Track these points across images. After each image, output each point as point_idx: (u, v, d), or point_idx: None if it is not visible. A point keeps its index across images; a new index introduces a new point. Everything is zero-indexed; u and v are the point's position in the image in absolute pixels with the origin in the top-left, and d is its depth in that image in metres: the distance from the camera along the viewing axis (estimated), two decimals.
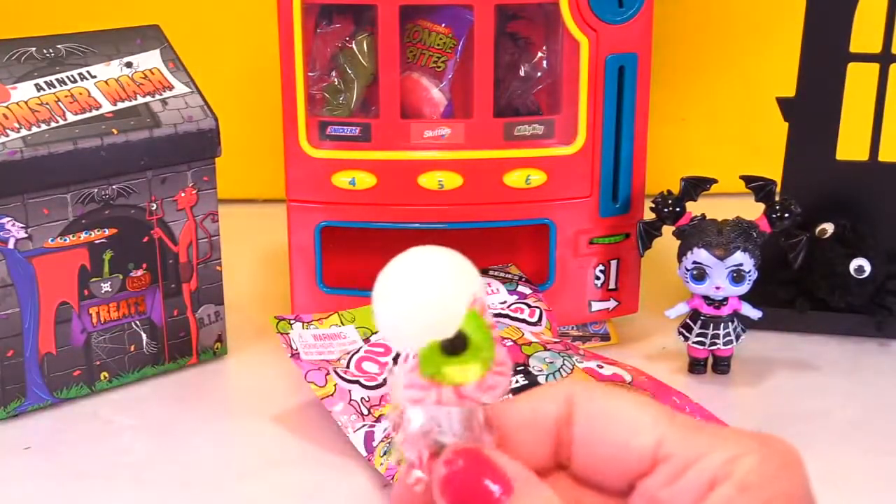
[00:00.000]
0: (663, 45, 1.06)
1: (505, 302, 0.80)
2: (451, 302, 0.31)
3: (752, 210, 0.80)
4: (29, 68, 0.76)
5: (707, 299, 0.79)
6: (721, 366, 0.81)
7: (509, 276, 0.83)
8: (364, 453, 0.70)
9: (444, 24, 0.83)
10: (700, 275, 0.78)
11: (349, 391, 0.73)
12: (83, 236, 0.76)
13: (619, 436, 0.31)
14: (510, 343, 0.72)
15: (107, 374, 0.79)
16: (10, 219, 0.72)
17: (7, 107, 0.73)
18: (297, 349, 0.76)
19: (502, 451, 0.32)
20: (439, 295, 0.31)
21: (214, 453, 0.73)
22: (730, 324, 0.80)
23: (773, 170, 0.85)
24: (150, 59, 0.80)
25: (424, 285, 0.31)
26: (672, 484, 0.30)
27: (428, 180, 0.80)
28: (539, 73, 0.85)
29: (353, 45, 0.82)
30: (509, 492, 0.30)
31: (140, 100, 0.77)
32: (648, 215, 0.82)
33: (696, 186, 0.80)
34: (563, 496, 0.32)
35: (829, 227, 0.87)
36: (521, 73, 0.85)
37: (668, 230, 0.81)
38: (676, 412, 0.32)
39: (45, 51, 0.77)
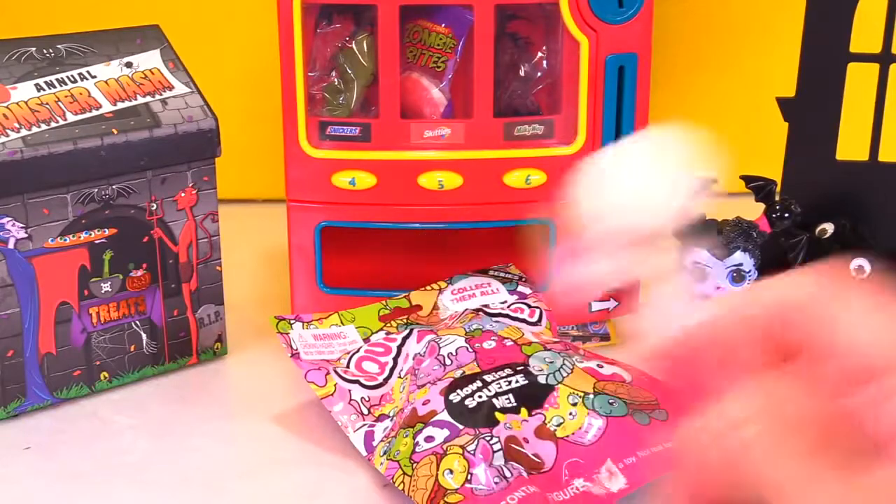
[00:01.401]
0: (663, 45, 1.06)
1: (505, 302, 0.80)
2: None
3: (752, 210, 0.80)
4: (29, 68, 0.76)
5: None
6: None
7: (509, 276, 0.83)
8: (364, 453, 0.70)
9: (444, 24, 0.83)
10: (700, 275, 0.78)
11: (349, 391, 0.73)
12: (83, 236, 0.76)
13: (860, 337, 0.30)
14: (510, 343, 0.72)
15: (107, 374, 0.79)
16: (10, 219, 0.72)
17: (7, 107, 0.73)
18: (297, 349, 0.76)
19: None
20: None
21: (214, 453, 0.73)
22: None
23: (773, 170, 0.85)
24: (150, 59, 0.80)
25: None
26: (889, 399, 0.29)
27: (428, 180, 0.80)
28: (539, 73, 0.86)
29: (353, 45, 0.82)
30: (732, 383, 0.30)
31: (140, 100, 0.77)
32: None
33: None
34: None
35: (829, 227, 0.87)
36: (521, 73, 0.86)
37: None
38: None
39: (45, 51, 0.77)
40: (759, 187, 0.79)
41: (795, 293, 0.31)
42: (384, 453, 0.68)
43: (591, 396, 0.68)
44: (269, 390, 0.80)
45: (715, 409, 0.29)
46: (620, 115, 0.81)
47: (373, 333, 0.78)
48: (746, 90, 1.16)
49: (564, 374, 0.70)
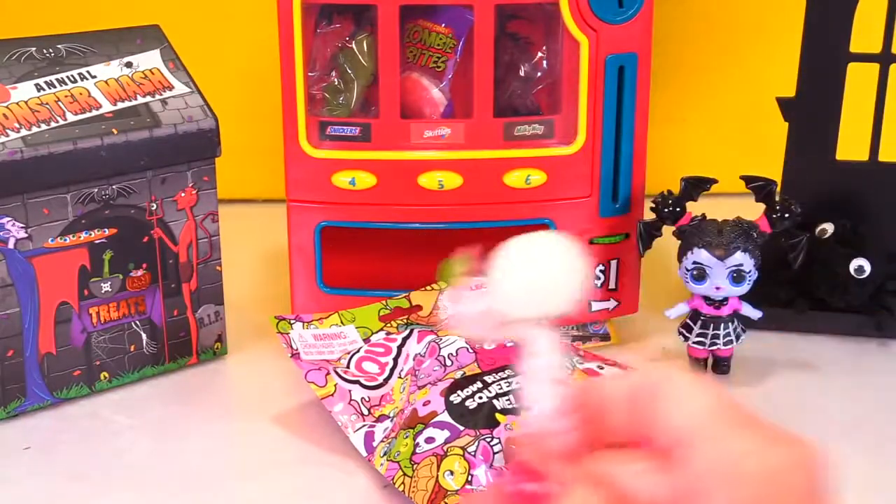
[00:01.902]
0: (663, 45, 1.06)
1: None
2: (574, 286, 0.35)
3: (752, 210, 0.80)
4: (29, 68, 0.76)
5: (707, 299, 0.79)
6: (721, 366, 0.81)
7: None
8: (364, 453, 0.70)
9: (444, 24, 0.83)
10: (700, 275, 0.78)
11: (349, 391, 0.73)
12: (83, 236, 0.76)
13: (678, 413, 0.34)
14: (510, 344, 0.72)
15: (107, 374, 0.79)
16: (10, 219, 0.72)
17: (7, 107, 0.73)
18: (297, 349, 0.76)
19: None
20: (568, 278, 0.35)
21: (214, 453, 0.73)
22: (730, 324, 0.80)
23: (773, 170, 0.85)
24: (150, 59, 0.80)
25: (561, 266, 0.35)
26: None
27: (428, 180, 0.80)
28: (539, 73, 0.86)
29: (353, 45, 0.82)
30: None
31: (140, 100, 0.77)
32: (648, 215, 0.82)
33: (696, 186, 0.80)
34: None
35: (829, 227, 0.87)
36: (521, 73, 0.86)
37: (668, 230, 0.81)
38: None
39: (45, 51, 0.77)
40: (759, 187, 0.79)
41: (623, 390, 0.35)
42: (384, 454, 0.68)
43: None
44: (269, 390, 0.80)
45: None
46: (620, 115, 0.81)
47: (373, 333, 0.78)
48: (746, 90, 1.16)
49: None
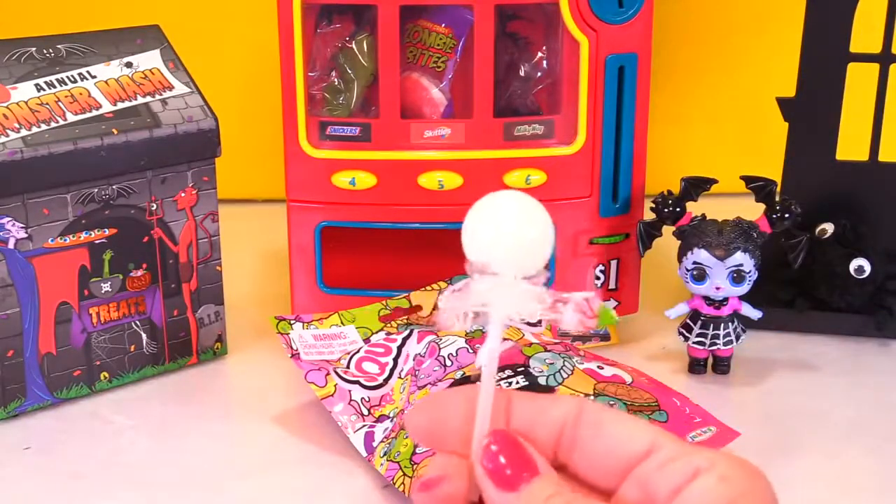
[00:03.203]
0: (663, 45, 1.06)
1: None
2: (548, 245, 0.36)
3: (753, 210, 0.80)
4: (29, 68, 0.76)
5: (707, 299, 0.79)
6: (721, 366, 0.81)
7: None
8: (364, 453, 0.70)
9: (444, 24, 0.83)
10: (700, 275, 0.78)
11: (349, 391, 0.73)
12: (83, 236, 0.76)
13: (620, 433, 0.36)
14: (511, 344, 0.72)
15: (107, 374, 0.79)
16: (10, 219, 0.72)
17: (7, 107, 0.73)
18: (297, 349, 0.76)
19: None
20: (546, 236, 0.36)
21: (214, 453, 0.73)
22: (730, 324, 0.80)
23: (773, 170, 0.85)
24: (150, 59, 0.80)
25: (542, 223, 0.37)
26: (661, 469, 0.34)
27: (428, 180, 0.80)
28: (539, 73, 0.86)
29: (353, 45, 0.82)
30: (534, 473, 0.35)
31: (140, 100, 0.77)
32: (648, 215, 0.82)
33: (696, 186, 0.80)
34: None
35: (829, 227, 0.87)
36: (521, 73, 0.86)
37: (668, 230, 0.81)
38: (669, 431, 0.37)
39: (45, 51, 0.77)
40: (759, 188, 0.79)
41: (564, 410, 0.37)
42: (384, 454, 0.68)
43: (592, 398, 0.68)
44: (269, 390, 0.80)
45: (533, 486, 0.35)
46: (620, 115, 0.81)
47: (373, 334, 0.78)
48: (746, 90, 1.16)
49: (565, 376, 0.70)
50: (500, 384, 0.68)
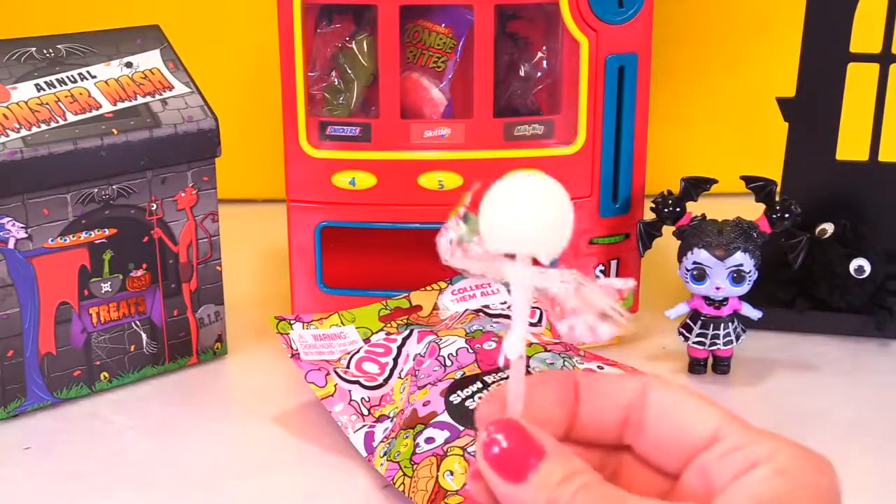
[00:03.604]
0: (663, 45, 1.06)
1: (505, 302, 0.80)
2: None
3: (753, 210, 0.80)
4: (29, 68, 0.76)
5: (707, 299, 0.79)
6: (721, 366, 0.81)
7: None
8: (364, 453, 0.70)
9: (444, 24, 0.83)
10: (700, 275, 0.78)
11: (349, 391, 0.73)
12: (83, 236, 0.76)
13: (686, 418, 0.35)
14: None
15: (107, 374, 0.79)
16: (10, 219, 0.72)
17: (7, 107, 0.73)
18: (297, 349, 0.76)
19: (579, 420, 0.37)
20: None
21: (214, 453, 0.73)
22: (730, 324, 0.80)
23: (773, 170, 0.85)
24: (150, 59, 0.80)
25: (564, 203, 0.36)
26: (722, 459, 0.34)
27: (428, 180, 0.80)
28: (539, 73, 0.86)
29: (353, 45, 0.82)
30: (541, 455, 0.34)
31: (140, 100, 0.77)
32: (648, 215, 0.82)
33: (696, 186, 0.80)
34: (623, 474, 0.36)
35: (829, 227, 0.87)
36: (521, 73, 0.86)
37: (668, 230, 0.81)
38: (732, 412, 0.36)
39: (45, 51, 0.77)
40: (759, 187, 0.79)
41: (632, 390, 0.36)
42: (384, 454, 0.68)
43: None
44: (269, 390, 0.80)
45: (541, 471, 0.34)
46: (620, 115, 0.81)
47: (373, 334, 0.78)
48: (746, 90, 1.16)
49: None
50: (500, 384, 0.68)
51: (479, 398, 0.68)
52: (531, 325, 0.78)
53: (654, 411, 0.36)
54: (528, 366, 0.70)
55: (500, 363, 0.35)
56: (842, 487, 0.33)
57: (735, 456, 0.33)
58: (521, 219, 0.35)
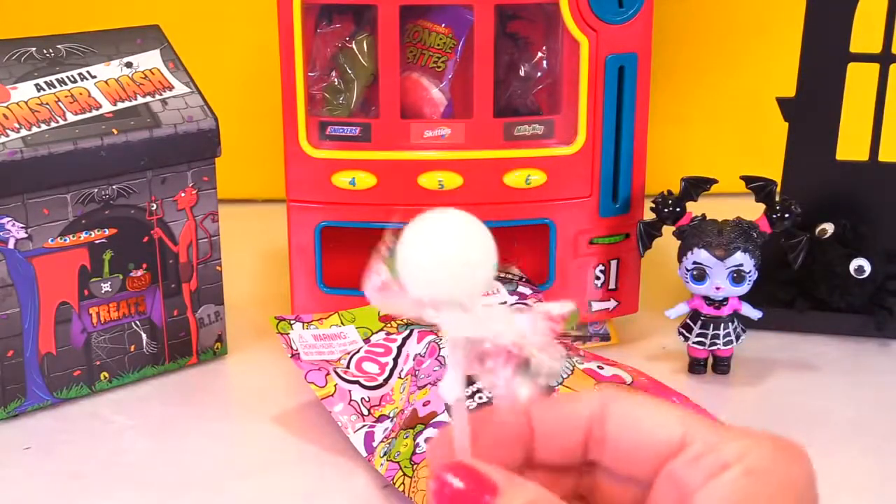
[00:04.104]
0: (663, 45, 1.06)
1: (505, 302, 0.80)
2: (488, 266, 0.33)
3: (753, 210, 0.80)
4: (29, 68, 0.76)
5: (707, 299, 0.79)
6: (721, 366, 0.81)
7: (509, 276, 0.83)
8: (364, 453, 0.70)
9: (444, 24, 0.83)
10: (700, 275, 0.78)
11: (349, 391, 0.73)
12: (83, 236, 0.76)
13: (651, 427, 0.35)
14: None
15: (107, 374, 0.79)
16: (10, 219, 0.72)
17: (7, 107, 0.73)
18: (297, 349, 0.76)
19: (538, 447, 0.36)
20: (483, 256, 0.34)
21: (214, 453, 0.73)
22: (730, 324, 0.80)
23: (773, 170, 0.85)
24: (150, 59, 0.80)
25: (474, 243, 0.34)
26: (692, 465, 0.33)
27: (428, 180, 0.80)
28: (539, 73, 0.85)
29: (353, 45, 0.82)
30: (495, 493, 0.33)
31: (140, 100, 0.77)
32: (648, 215, 0.82)
33: (696, 186, 0.80)
34: (598, 490, 0.36)
35: (829, 227, 0.87)
36: (521, 73, 0.86)
37: (668, 230, 0.81)
38: (697, 413, 0.36)
39: (45, 51, 0.77)
40: (759, 187, 0.79)
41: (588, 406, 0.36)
42: (384, 454, 0.68)
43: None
44: (269, 390, 0.80)
45: (503, 502, 0.33)
46: (620, 115, 0.81)
47: (373, 334, 0.78)
48: (746, 90, 1.16)
49: (564, 376, 0.70)
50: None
51: (479, 398, 0.68)
52: None
53: (615, 424, 0.36)
54: None
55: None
56: (815, 475, 0.34)
57: (705, 460, 0.33)
58: (441, 263, 0.33)
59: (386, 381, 0.74)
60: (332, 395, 0.73)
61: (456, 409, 0.35)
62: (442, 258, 0.33)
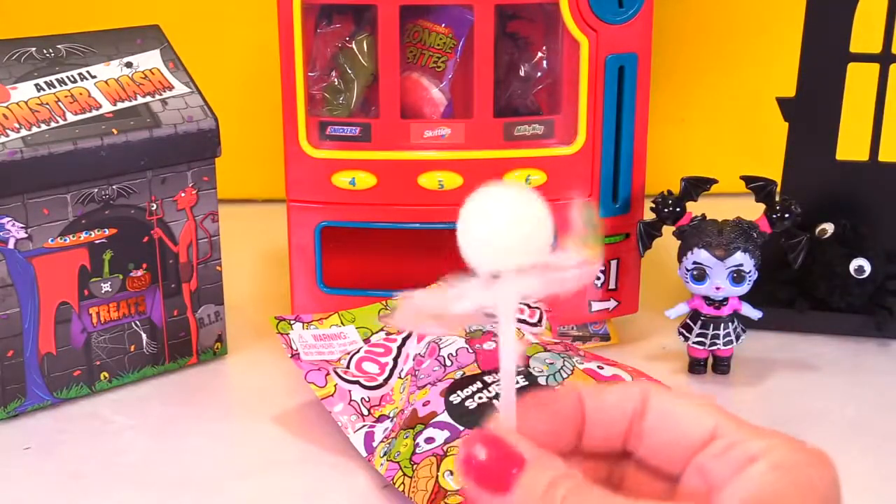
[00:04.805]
0: (663, 45, 1.06)
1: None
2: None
3: (753, 210, 0.80)
4: (29, 68, 0.76)
5: (707, 299, 0.79)
6: (721, 366, 0.81)
7: None
8: (364, 453, 0.70)
9: (444, 24, 0.83)
10: (700, 275, 0.78)
11: (349, 391, 0.73)
12: (83, 236, 0.76)
13: (684, 420, 0.36)
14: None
15: (107, 374, 0.79)
16: (10, 219, 0.72)
17: (7, 107, 0.73)
18: (297, 349, 0.76)
19: (586, 433, 0.37)
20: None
21: (214, 453, 0.73)
22: (730, 324, 0.80)
23: (773, 170, 0.85)
24: (150, 59, 0.80)
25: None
26: (720, 457, 0.34)
27: (428, 180, 0.80)
28: (539, 73, 0.85)
29: (353, 45, 0.82)
30: (522, 465, 0.33)
31: (140, 100, 0.77)
32: (648, 215, 0.82)
33: (696, 186, 0.80)
34: (629, 480, 0.37)
35: (829, 227, 0.87)
36: (521, 73, 0.86)
37: (668, 230, 0.81)
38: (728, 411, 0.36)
39: (45, 51, 0.77)
40: (759, 188, 0.79)
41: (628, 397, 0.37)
42: (384, 454, 0.68)
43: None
44: (269, 390, 0.80)
45: (524, 481, 0.33)
46: (620, 115, 0.81)
47: (373, 334, 0.78)
48: (746, 90, 1.16)
49: (565, 376, 0.70)
50: (499, 384, 0.68)
51: (479, 398, 0.68)
52: (531, 324, 0.78)
53: (653, 417, 0.36)
54: (528, 365, 0.70)
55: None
56: (840, 480, 0.34)
57: (732, 453, 0.34)
58: (495, 236, 0.35)
59: (386, 381, 0.74)
60: (332, 395, 0.73)
61: (505, 382, 0.35)
62: (494, 236, 0.35)
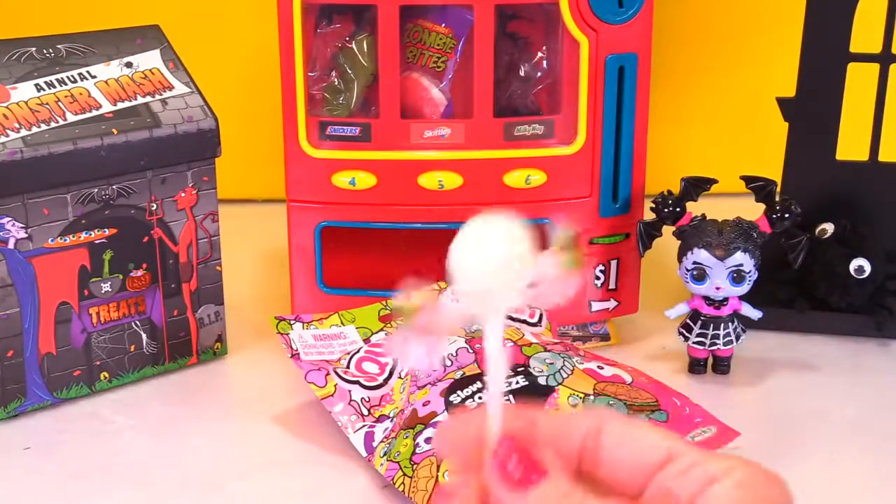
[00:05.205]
0: (663, 45, 1.06)
1: None
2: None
3: (753, 210, 0.80)
4: (29, 68, 0.76)
5: (707, 299, 0.79)
6: (721, 366, 0.81)
7: None
8: (364, 453, 0.70)
9: (444, 24, 0.83)
10: (700, 275, 0.78)
11: (349, 391, 0.73)
12: (83, 236, 0.76)
13: (641, 442, 0.37)
14: (511, 344, 0.72)
15: (107, 374, 0.79)
16: (10, 219, 0.72)
17: (7, 107, 0.73)
18: (297, 349, 0.76)
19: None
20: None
21: (214, 453, 0.73)
22: (730, 324, 0.80)
23: (773, 170, 0.85)
24: (150, 59, 0.80)
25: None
26: (681, 476, 0.35)
27: (428, 180, 0.80)
28: (539, 73, 0.85)
29: (353, 45, 0.82)
30: (544, 475, 0.36)
31: (140, 100, 0.77)
32: (648, 215, 0.82)
33: (696, 186, 0.80)
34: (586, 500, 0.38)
35: (829, 227, 0.87)
36: (521, 73, 0.85)
37: (668, 230, 0.81)
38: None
39: (45, 51, 0.77)
40: (759, 188, 0.79)
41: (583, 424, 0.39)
42: (384, 454, 0.68)
43: (592, 398, 0.68)
44: (269, 390, 0.80)
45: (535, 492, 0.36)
46: (620, 115, 0.81)
47: (373, 334, 0.78)
48: (746, 90, 1.16)
49: (565, 376, 0.70)
50: (507, 381, 0.68)
51: (479, 398, 0.68)
52: (531, 324, 0.78)
53: (610, 439, 0.38)
54: (528, 365, 0.70)
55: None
56: (795, 501, 0.36)
57: (694, 473, 0.35)
58: (490, 259, 0.36)
59: (386, 381, 0.74)
60: (332, 395, 0.73)
61: (493, 399, 0.37)
62: (490, 256, 0.36)
